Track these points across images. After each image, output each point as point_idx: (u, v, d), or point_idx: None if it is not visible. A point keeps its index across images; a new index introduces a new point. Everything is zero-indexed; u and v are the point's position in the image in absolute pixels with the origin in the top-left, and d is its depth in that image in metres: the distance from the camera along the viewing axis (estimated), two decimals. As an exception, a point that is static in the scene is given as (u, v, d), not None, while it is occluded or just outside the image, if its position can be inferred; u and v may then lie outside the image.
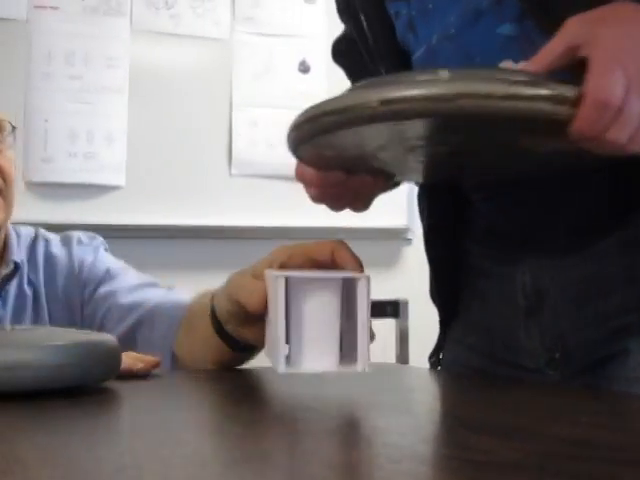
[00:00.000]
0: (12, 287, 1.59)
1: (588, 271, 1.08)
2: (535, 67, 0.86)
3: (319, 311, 0.90)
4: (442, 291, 1.30)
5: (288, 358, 0.89)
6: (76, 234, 1.70)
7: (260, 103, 3.18)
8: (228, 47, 3.24)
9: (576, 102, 0.82)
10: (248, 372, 1.19)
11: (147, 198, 3.11)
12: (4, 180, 1.56)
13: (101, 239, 1.74)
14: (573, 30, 0.87)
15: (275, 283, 0.90)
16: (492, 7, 1.04)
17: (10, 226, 1.65)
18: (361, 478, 0.60)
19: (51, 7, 3.12)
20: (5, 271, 1.59)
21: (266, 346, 1.02)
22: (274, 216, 3.12)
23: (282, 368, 0.88)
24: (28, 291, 1.60)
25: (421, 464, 0.63)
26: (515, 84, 0.81)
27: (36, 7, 3.10)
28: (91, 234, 1.74)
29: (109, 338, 1.05)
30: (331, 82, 3.27)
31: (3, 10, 3.04)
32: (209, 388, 1.12)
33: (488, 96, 0.79)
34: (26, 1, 3.09)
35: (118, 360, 1.03)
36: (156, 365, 1.13)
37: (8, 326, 1.05)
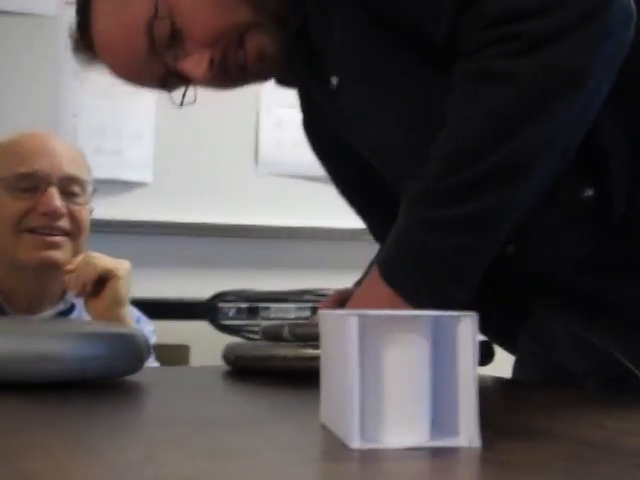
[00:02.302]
0: None
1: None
2: None
3: (405, 364, 0.66)
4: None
5: (363, 429, 0.64)
6: (137, 311, 2.01)
7: (287, 103, 3.14)
8: (257, 47, 3.25)
9: None
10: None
11: (173, 195, 3.11)
12: (78, 228, 1.86)
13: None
14: None
15: (342, 326, 0.66)
16: None
17: None
18: (385, 472, 0.60)
19: (81, 4, 3.13)
20: (62, 307, 1.88)
21: (323, 405, 0.74)
22: (299, 216, 3.11)
23: (356, 442, 0.63)
24: None
25: (446, 462, 0.63)
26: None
27: (66, 3, 3.10)
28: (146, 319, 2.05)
29: (137, 331, 1.06)
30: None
31: (33, 6, 3.05)
32: (231, 382, 1.12)
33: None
34: (56, -3, 3.10)
35: (144, 353, 1.04)
36: None
37: (35, 317, 1.06)
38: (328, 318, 0.74)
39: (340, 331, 0.66)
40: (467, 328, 0.66)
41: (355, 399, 0.64)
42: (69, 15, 3.07)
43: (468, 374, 0.66)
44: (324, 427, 0.72)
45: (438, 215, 0.94)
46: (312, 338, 1.08)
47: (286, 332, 1.13)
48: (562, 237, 1.00)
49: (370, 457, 0.62)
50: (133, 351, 1.01)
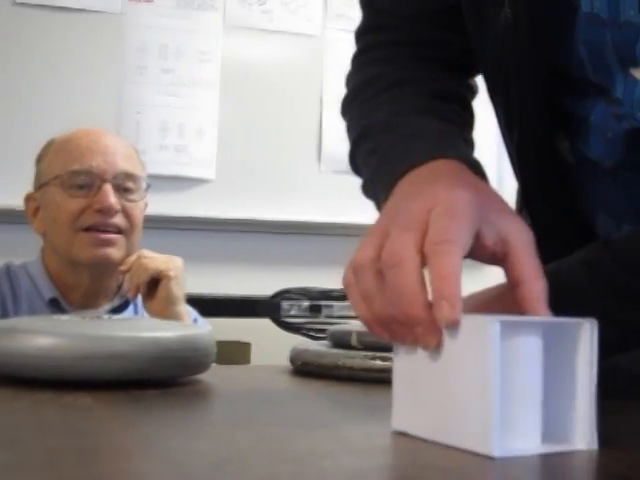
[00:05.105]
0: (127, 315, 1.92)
1: None
2: None
3: (518, 369, 0.65)
4: None
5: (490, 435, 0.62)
6: (194, 312, 2.02)
7: (351, 100, 3.16)
8: (319, 43, 3.25)
9: None
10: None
11: (236, 192, 3.12)
12: (131, 224, 1.89)
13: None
14: None
15: (481, 331, 0.64)
16: None
17: None
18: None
19: (145, 0, 3.14)
20: (117, 302, 1.95)
21: (404, 411, 0.72)
22: (363, 213, 3.09)
23: (497, 450, 0.62)
24: None
25: (519, 469, 0.62)
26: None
27: (130, 0, 3.13)
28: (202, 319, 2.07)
29: (205, 331, 1.06)
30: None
31: (98, 3, 3.08)
32: (298, 382, 1.12)
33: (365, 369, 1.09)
34: (121, -5, 3.13)
35: (213, 353, 1.04)
36: None
37: (106, 316, 1.06)
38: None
39: (477, 336, 0.65)
40: (587, 333, 0.66)
41: (495, 405, 0.62)
42: (134, 12, 3.10)
43: (585, 378, 0.66)
44: (399, 433, 0.71)
45: (613, 309, 0.88)
46: (380, 347, 1.08)
47: (354, 339, 1.13)
48: None
49: (446, 464, 0.62)
50: (202, 351, 1.01)
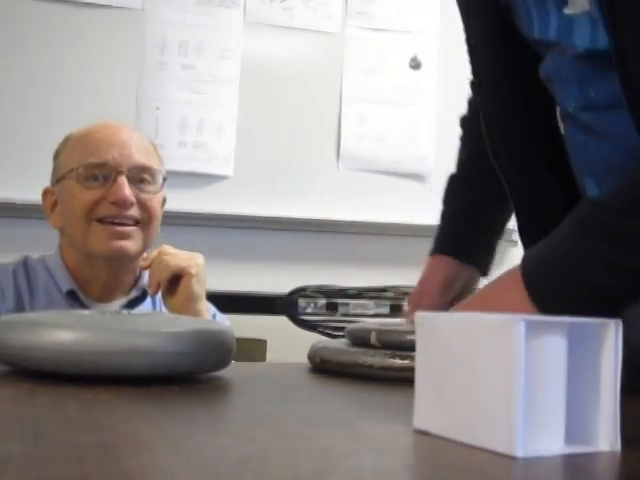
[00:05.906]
0: (144, 308, 1.94)
1: None
2: None
3: (551, 368, 0.65)
4: None
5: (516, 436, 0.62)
6: (212, 307, 2.01)
7: (370, 98, 3.17)
8: (339, 41, 3.24)
9: None
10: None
11: (255, 189, 3.12)
12: (148, 217, 1.87)
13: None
14: None
15: (506, 331, 0.63)
16: None
17: None
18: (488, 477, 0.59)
19: (166, -3, 3.15)
20: (135, 294, 1.95)
21: (428, 411, 0.72)
22: (381, 211, 3.11)
23: (520, 450, 0.62)
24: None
25: (542, 470, 0.62)
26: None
27: (151, -4, 3.13)
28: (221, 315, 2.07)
29: (225, 328, 1.06)
30: (441, 79, 3.25)
31: (119, -1, 3.09)
32: (317, 380, 1.11)
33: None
34: (142, -10, 3.13)
35: (233, 350, 1.04)
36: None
37: (125, 311, 1.06)
38: (475, 320, 0.70)
39: (493, 334, 0.65)
40: (611, 333, 0.66)
41: (519, 406, 0.62)
42: (154, 8, 3.10)
43: (610, 378, 0.66)
44: (421, 432, 0.71)
45: (617, 256, 0.89)
46: (400, 346, 1.09)
47: (373, 338, 1.14)
48: None
49: (469, 464, 0.61)
50: (222, 347, 1.01)
